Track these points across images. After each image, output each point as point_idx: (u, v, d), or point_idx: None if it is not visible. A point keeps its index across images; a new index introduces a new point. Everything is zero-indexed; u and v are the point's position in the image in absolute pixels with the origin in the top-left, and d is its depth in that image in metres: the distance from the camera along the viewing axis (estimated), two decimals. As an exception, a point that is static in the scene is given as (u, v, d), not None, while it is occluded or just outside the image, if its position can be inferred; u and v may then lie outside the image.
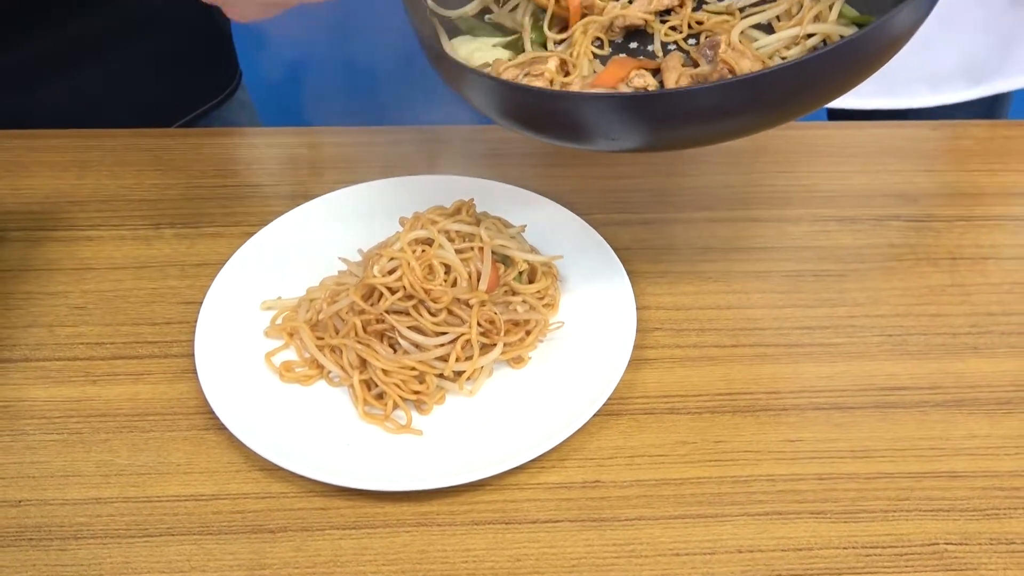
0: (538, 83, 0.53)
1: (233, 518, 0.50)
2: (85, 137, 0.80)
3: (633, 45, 0.59)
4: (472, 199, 0.62)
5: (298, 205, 0.69)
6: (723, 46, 0.53)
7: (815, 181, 0.76)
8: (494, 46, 0.62)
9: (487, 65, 0.58)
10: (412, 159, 0.77)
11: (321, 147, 0.81)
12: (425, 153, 0.79)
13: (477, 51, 0.61)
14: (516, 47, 0.59)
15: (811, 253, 0.68)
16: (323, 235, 0.65)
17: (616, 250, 0.64)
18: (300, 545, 0.48)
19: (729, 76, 0.51)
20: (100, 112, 0.84)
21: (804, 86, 0.47)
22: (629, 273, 0.62)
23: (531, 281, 0.61)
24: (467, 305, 0.54)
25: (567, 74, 0.56)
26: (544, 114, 0.50)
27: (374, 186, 0.70)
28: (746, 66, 0.51)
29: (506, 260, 0.60)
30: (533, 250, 0.63)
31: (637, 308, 0.60)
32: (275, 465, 0.50)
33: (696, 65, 0.55)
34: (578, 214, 0.67)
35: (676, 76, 0.53)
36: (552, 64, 0.54)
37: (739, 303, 0.64)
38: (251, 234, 0.66)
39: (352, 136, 0.81)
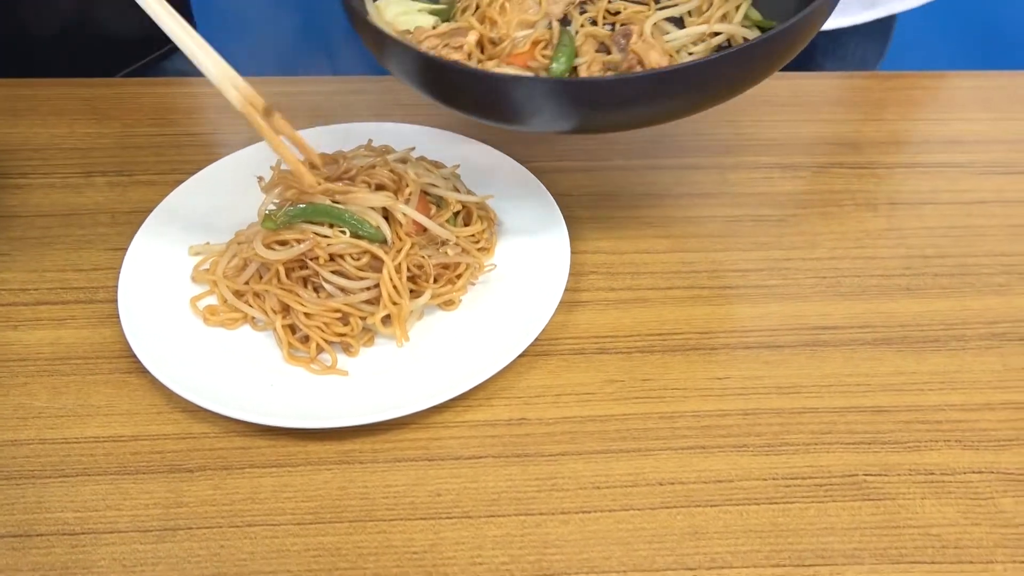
0: (456, 56, 0.54)
1: (152, 458, 0.49)
2: (18, 86, 0.78)
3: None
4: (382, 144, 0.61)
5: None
6: (635, 36, 0.55)
7: (759, 130, 0.75)
8: (420, 11, 0.61)
9: (408, 32, 0.58)
10: (356, 108, 0.76)
11: (264, 96, 0.79)
12: (369, 102, 0.77)
13: (403, 15, 0.61)
14: (444, 15, 0.59)
15: (751, 199, 0.68)
16: (256, 181, 0.64)
17: (556, 196, 0.63)
18: (219, 483, 0.48)
19: (638, 67, 0.54)
20: (40, 60, 0.82)
21: (703, 83, 0.50)
22: (568, 219, 0.61)
23: (466, 224, 0.60)
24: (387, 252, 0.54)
25: (485, 50, 0.57)
26: (454, 88, 0.52)
27: (310, 133, 0.69)
28: (654, 58, 0.54)
29: (440, 202, 0.60)
30: (470, 193, 0.62)
31: (573, 252, 0.59)
32: (197, 406, 0.50)
33: (609, 52, 0.57)
34: (519, 161, 0.66)
35: (588, 60, 0.55)
36: (472, 38, 0.55)
37: (675, 247, 0.63)
38: (185, 181, 0.65)
39: (295, 85, 0.80)
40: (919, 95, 0.83)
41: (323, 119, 0.73)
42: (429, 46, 0.53)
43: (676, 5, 0.59)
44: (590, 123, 0.53)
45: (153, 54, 0.91)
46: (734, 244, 0.64)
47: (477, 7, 0.57)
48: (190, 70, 0.95)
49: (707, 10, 0.58)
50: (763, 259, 0.62)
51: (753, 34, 0.57)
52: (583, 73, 0.54)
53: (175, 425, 0.51)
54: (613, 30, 0.59)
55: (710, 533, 0.46)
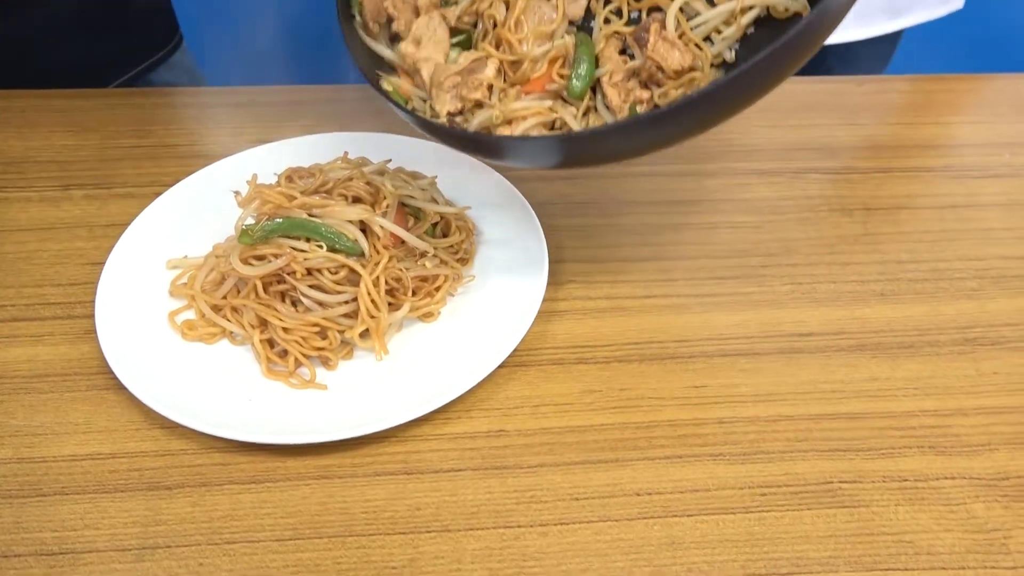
0: (475, 95, 0.52)
1: (130, 476, 0.49)
2: (-8, 98, 0.77)
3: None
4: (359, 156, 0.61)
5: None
6: (653, 37, 0.51)
7: (735, 136, 0.76)
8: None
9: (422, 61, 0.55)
10: (335, 117, 0.76)
11: (241, 106, 0.79)
12: (347, 111, 0.77)
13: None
14: (466, 44, 0.56)
15: (728, 206, 0.68)
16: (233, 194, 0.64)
17: (535, 205, 0.64)
18: (197, 500, 0.48)
19: (659, 73, 0.51)
20: (19, 74, 0.81)
21: (707, 117, 0.46)
22: (546, 227, 0.62)
23: (445, 235, 0.61)
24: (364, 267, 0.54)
25: (507, 76, 0.54)
26: (464, 146, 0.52)
27: (288, 144, 0.69)
28: (675, 60, 0.50)
29: (419, 213, 0.60)
30: (448, 203, 0.62)
31: (552, 262, 0.60)
32: (175, 423, 0.50)
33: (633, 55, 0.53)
34: (497, 170, 0.66)
35: (610, 70, 0.52)
36: (490, 71, 0.52)
37: (654, 255, 0.64)
38: (163, 193, 0.65)
39: (274, 95, 0.80)
40: (892, 99, 0.83)
41: (298, 128, 0.74)
42: (451, 84, 0.52)
43: None
44: (592, 163, 0.53)
45: (139, 67, 0.91)
46: (712, 251, 0.64)
47: (495, 26, 0.54)
48: (175, 81, 0.96)
49: None
50: (740, 266, 0.63)
51: (792, 2, 0.50)
52: (606, 85, 0.52)
53: (153, 442, 0.51)
54: (639, 20, 0.54)
55: (687, 543, 0.46)
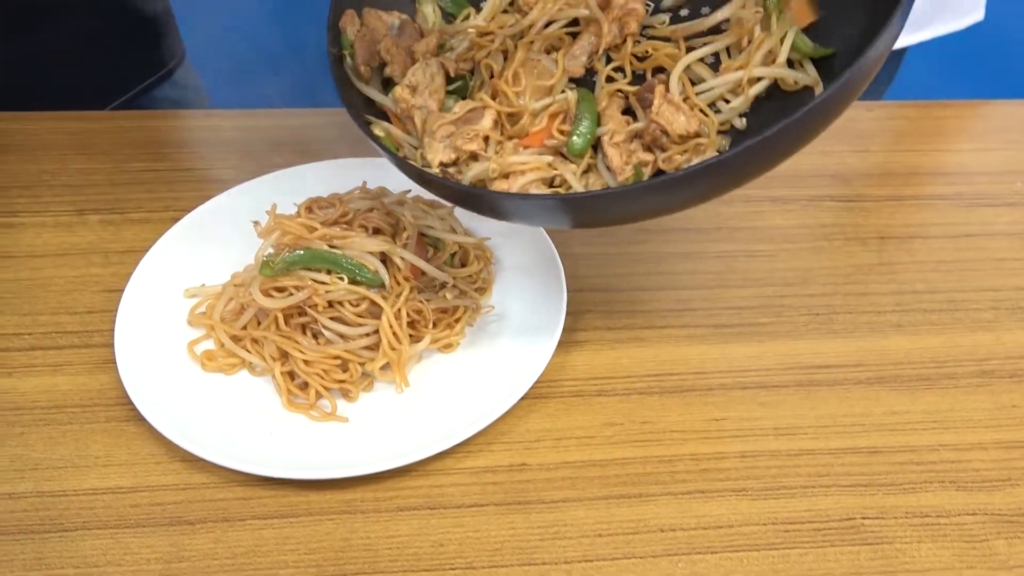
0: (471, 146, 0.50)
1: (152, 510, 0.49)
2: (6, 120, 0.77)
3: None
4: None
5: (229, 189, 0.67)
6: (658, 100, 0.48)
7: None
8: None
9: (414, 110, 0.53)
10: (348, 141, 0.76)
11: (255, 130, 0.79)
12: (362, 136, 0.77)
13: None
14: (461, 93, 0.54)
15: (743, 234, 0.69)
16: (251, 220, 0.64)
17: (549, 233, 0.64)
18: (220, 536, 0.48)
19: (663, 137, 0.49)
20: (26, 94, 0.81)
21: (719, 184, 0.45)
22: (562, 255, 0.62)
23: (463, 264, 0.61)
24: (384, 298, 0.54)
25: (504, 129, 0.52)
26: (458, 199, 0.50)
27: (305, 169, 0.69)
28: (681, 124, 0.48)
29: (438, 243, 0.60)
30: (467, 233, 0.62)
31: (569, 291, 0.60)
32: (196, 456, 0.50)
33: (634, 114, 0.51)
34: (512, 197, 0.67)
35: (612, 129, 0.50)
36: (487, 122, 0.50)
37: (670, 284, 0.64)
38: (180, 220, 0.65)
39: (285, 119, 0.80)
40: (901, 125, 0.84)
41: (312, 154, 0.73)
42: (444, 134, 0.50)
43: (708, 44, 0.51)
44: (588, 226, 0.53)
45: (143, 83, 0.91)
46: (728, 280, 0.64)
47: (492, 76, 0.52)
48: (181, 99, 0.96)
49: (747, 46, 0.50)
50: (757, 296, 0.63)
51: (803, 75, 0.48)
52: (606, 145, 0.50)
53: (175, 475, 0.50)
54: (643, 79, 0.52)
55: (712, 580, 0.46)
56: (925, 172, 0.77)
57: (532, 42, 0.53)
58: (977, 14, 0.95)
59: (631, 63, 0.52)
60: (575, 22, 0.54)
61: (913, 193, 0.74)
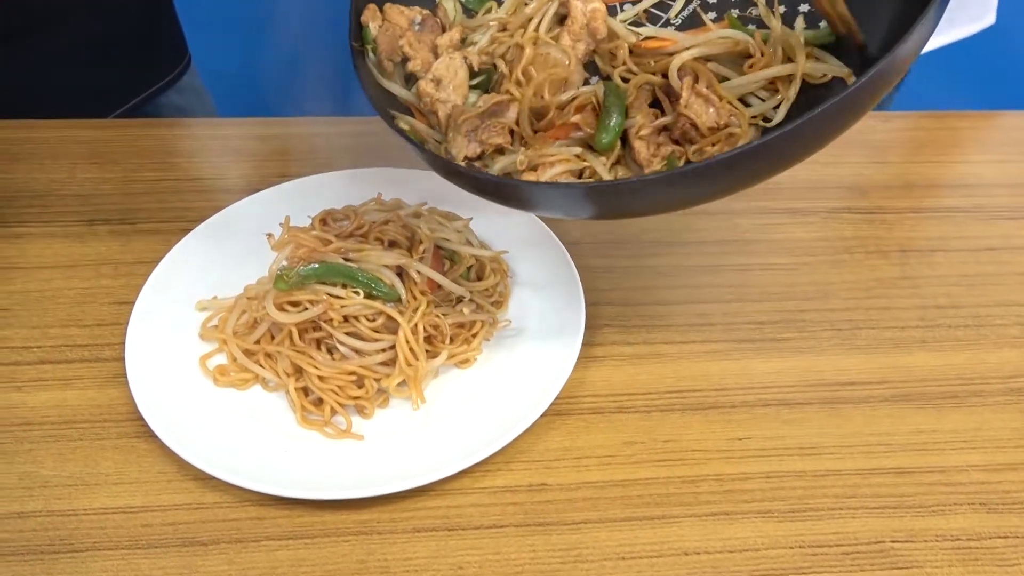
0: (497, 139, 0.50)
1: (164, 531, 0.48)
2: (13, 128, 0.76)
3: (594, 80, 0.54)
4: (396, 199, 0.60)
5: (240, 199, 0.66)
6: (686, 92, 0.48)
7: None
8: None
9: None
10: (359, 151, 0.75)
11: (264, 139, 0.78)
12: (372, 145, 0.77)
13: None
14: (484, 86, 0.54)
15: (761, 247, 0.68)
16: (263, 231, 0.63)
17: (566, 244, 0.63)
18: (233, 557, 0.46)
19: (692, 130, 0.48)
20: (31, 100, 0.80)
21: (756, 171, 0.44)
22: (578, 267, 0.61)
23: (479, 277, 0.60)
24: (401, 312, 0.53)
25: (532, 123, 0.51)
26: (490, 192, 0.49)
27: (317, 179, 0.68)
28: (710, 117, 0.48)
29: (454, 256, 0.59)
30: (483, 245, 0.61)
31: (587, 304, 0.59)
32: (208, 474, 0.48)
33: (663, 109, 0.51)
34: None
35: (640, 123, 0.49)
36: (514, 113, 0.50)
37: (688, 298, 0.63)
38: (190, 230, 0.64)
39: (296, 127, 0.79)
40: (918, 136, 0.83)
41: (320, 162, 0.72)
42: (468, 127, 0.50)
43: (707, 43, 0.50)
44: (620, 215, 0.52)
45: (148, 90, 0.90)
46: (747, 294, 0.63)
47: (511, 72, 0.52)
48: (186, 105, 0.95)
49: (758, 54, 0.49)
50: (777, 310, 0.62)
51: (834, 68, 0.48)
52: (633, 138, 0.49)
53: (187, 494, 0.49)
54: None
55: (738, 606, 0.45)
56: (944, 184, 0.76)
57: (537, 39, 0.52)
58: (989, 18, 0.94)
59: (640, 65, 0.52)
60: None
61: (932, 205, 0.73)
